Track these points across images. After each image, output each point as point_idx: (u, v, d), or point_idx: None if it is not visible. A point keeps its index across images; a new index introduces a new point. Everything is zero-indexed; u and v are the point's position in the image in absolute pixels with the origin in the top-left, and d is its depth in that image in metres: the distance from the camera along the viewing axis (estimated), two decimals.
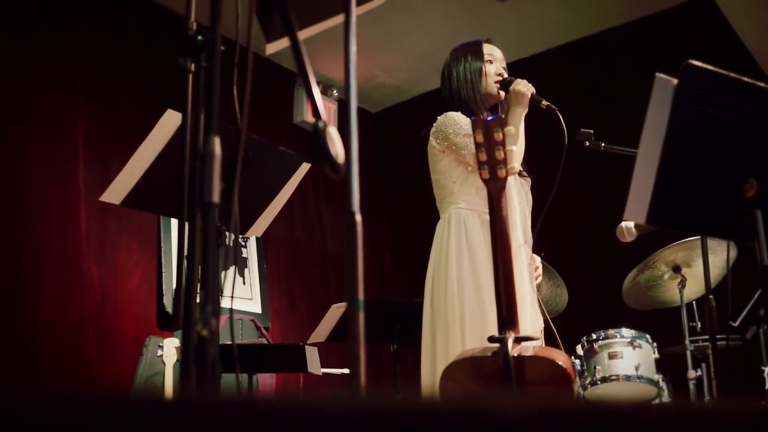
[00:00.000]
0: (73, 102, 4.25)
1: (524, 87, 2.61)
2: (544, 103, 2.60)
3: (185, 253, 1.24)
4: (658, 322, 3.96)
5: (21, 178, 3.94)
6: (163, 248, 4.40)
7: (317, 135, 1.10)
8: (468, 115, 2.64)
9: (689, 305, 3.66)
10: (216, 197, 1.03)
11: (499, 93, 2.70)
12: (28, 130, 4.02)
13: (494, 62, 2.74)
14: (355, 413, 0.54)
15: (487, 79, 2.70)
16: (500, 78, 2.71)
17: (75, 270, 4.05)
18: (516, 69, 2.82)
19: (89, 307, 4.06)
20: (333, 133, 1.13)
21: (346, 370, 3.86)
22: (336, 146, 1.12)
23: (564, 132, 2.49)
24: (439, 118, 2.67)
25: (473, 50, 2.75)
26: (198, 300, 1.21)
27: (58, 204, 4.07)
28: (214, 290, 1.15)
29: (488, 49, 2.75)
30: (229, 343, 1.87)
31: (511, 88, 2.63)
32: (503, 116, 2.65)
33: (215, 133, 1.07)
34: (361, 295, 1.21)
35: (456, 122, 2.61)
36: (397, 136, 6.11)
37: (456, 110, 2.68)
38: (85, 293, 4.06)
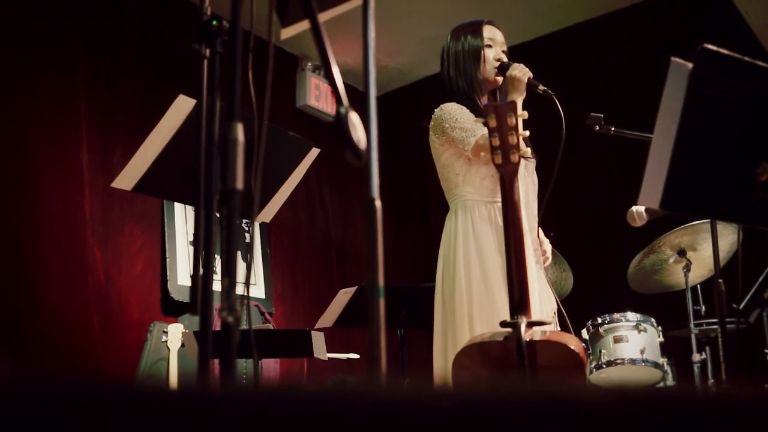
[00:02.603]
0: (76, 88, 4.23)
1: (521, 72, 2.55)
2: (541, 87, 2.53)
3: (202, 240, 1.24)
4: (661, 306, 3.97)
5: (24, 165, 3.93)
6: (166, 234, 4.40)
7: (339, 120, 1.10)
8: (465, 101, 2.61)
9: (693, 289, 3.67)
10: (240, 184, 1.03)
11: (496, 78, 2.65)
12: (31, 116, 4.00)
13: (494, 46, 2.67)
14: (442, 405, 0.54)
15: (486, 64, 2.64)
16: (498, 63, 2.65)
17: (79, 256, 4.05)
18: (519, 52, 2.79)
19: (94, 293, 4.06)
20: (355, 119, 1.12)
21: (351, 355, 3.87)
22: (358, 132, 1.11)
23: (561, 117, 2.44)
24: (436, 111, 2.61)
25: (472, 30, 2.69)
26: (215, 287, 1.21)
27: (61, 190, 4.06)
28: (234, 277, 1.15)
29: (489, 32, 2.69)
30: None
31: (507, 73, 2.58)
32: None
33: (238, 120, 1.06)
34: (381, 281, 1.20)
35: (452, 115, 2.55)
36: (398, 120, 6.09)
37: (453, 94, 2.64)
38: (90, 279, 4.06)
